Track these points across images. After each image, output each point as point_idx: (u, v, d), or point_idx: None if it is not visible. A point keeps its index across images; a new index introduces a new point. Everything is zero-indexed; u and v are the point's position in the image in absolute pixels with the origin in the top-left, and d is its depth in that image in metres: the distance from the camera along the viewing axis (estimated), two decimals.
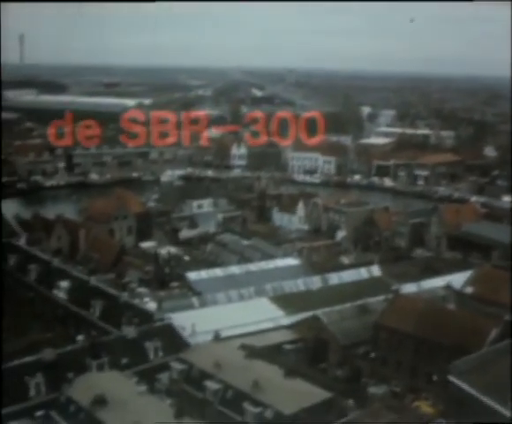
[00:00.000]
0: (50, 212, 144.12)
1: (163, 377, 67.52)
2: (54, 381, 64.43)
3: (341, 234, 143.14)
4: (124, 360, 69.88)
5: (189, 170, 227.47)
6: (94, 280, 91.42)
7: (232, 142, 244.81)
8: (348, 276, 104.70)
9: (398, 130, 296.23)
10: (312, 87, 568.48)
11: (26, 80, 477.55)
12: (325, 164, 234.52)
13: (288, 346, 79.84)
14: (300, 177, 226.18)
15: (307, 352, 79.84)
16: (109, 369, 67.15)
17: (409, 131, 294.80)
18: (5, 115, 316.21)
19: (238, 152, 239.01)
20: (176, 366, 66.83)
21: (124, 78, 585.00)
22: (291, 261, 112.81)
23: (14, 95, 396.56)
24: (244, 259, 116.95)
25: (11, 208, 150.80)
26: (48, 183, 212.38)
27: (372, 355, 78.63)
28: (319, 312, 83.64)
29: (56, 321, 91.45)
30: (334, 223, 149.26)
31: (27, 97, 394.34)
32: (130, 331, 73.34)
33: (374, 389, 70.70)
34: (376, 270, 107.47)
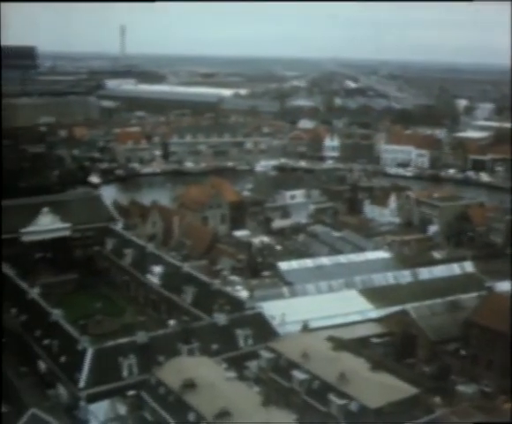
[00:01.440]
0: (146, 198, 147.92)
1: (252, 365, 68.66)
2: (146, 363, 66.75)
3: (433, 229, 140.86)
4: (215, 347, 71.54)
5: (282, 161, 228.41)
6: (186, 266, 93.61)
7: (326, 133, 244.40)
8: (439, 271, 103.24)
9: (496, 124, 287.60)
10: (407, 79, 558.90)
11: (126, 70, 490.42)
12: (418, 157, 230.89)
13: (375, 340, 79.70)
14: (393, 170, 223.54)
15: (395, 346, 79.40)
16: (200, 355, 68.81)
17: (507, 125, 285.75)
18: (105, 103, 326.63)
19: (331, 143, 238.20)
20: (265, 354, 67.62)
21: (221, 68, 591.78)
22: (382, 254, 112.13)
23: (114, 85, 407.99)
24: (334, 250, 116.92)
25: (110, 194, 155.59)
26: (145, 170, 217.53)
27: (463, 353, 77.30)
28: (408, 306, 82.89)
29: (148, 305, 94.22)
30: (426, 217, 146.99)
31: (126, 87, 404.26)
32: (221, 318, 74.92)
33: (463, 388, 69.80)
34: (469, 266, 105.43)
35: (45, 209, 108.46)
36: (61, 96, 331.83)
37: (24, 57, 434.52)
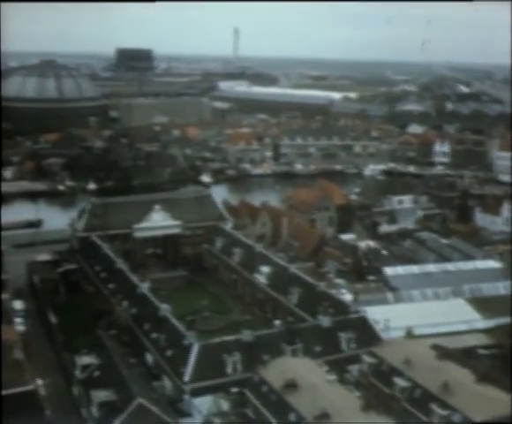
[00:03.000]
0: (256, 199, 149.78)
1: (353, 369, 68.78)
2: (250, 361, 67.90)
3: None
4: (318, 348, 72.01)
5: (391, 165, 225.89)
6: (293, 267, 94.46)
7: (436, 139, 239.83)
8: None
9: None
10: None
11: (239, 72, 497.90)
12: None
13: (482, 351, 77.78)
14: (506, 178, 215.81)
15: (503, 358, 77.17)
16: (303, 356, 69.45)
17: None
18: (217, 104, 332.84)
19: (442, 149, 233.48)
20: (367, 359, 67.51)
21: (332, 71, 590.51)
22: (492, 264, 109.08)
23: (226, 86, 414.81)
24: (442, 258, 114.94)
25: (220, 193, 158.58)
26: (255, 171, 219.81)
27: None
28: None
29: (255, 304, 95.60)
30: None
31: (239, 88, 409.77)
32: (325, 321, 75.32)
33: None
34: None
35: (157, 207, 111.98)
36: (175, 97, 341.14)
37: (141, 60, 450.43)
